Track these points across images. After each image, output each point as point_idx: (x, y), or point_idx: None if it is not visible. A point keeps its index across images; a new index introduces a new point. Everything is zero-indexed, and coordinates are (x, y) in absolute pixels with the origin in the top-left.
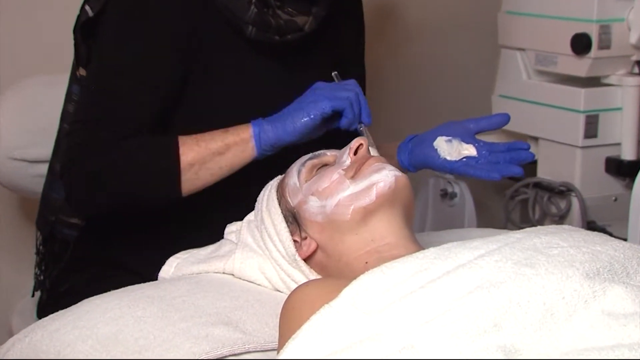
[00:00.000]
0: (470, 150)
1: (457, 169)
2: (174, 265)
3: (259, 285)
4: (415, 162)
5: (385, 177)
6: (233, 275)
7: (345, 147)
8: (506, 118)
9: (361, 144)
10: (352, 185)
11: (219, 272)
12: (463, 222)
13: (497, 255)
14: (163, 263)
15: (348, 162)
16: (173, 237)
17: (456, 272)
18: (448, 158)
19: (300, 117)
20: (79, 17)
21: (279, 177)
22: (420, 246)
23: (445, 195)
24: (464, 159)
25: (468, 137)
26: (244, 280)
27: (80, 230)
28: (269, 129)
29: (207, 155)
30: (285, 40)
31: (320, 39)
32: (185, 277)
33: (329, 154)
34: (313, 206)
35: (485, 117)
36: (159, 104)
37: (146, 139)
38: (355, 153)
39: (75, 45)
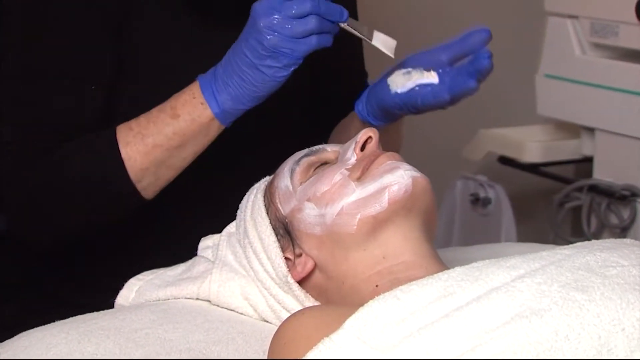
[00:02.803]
0: (430, 77)
1: (406, 100)
2: (135, 290)
3: (241, 314)
4: (372, 109)
5: (399, 178)
6: (209, 301)
7: (349, 141)
8: (484, 34)
9: (370, 137)
10: (358, 189)
11: (192, 298)
12: (499, 235)
13: (541, 276)
14: (117, 289)
15: (353, 159)
16: (128, 254)
17: (489, 298)
18: (399, 91)
19: (264, 82)
20: None
21: (267, 178)
22: (444, 265)
23: (477, 201)
24: (417, 87)
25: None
26: (222, 307)
27: None
28: (227, 99)
29: (161, 153)
30: None
31: None
32: (149, 304)
33: (330, 150)
34: (310, 215)
35: (456, 39)
36: (92, 96)
37: (79, 149)
38: (363, 148)
39: None
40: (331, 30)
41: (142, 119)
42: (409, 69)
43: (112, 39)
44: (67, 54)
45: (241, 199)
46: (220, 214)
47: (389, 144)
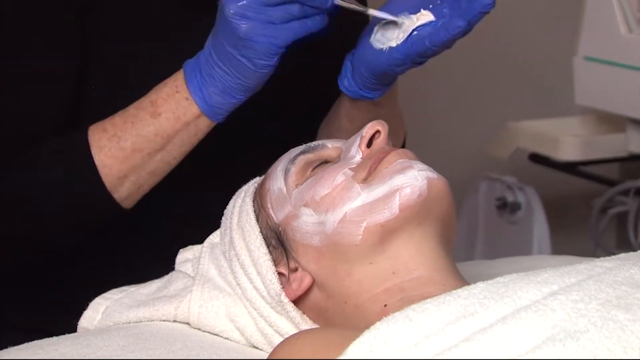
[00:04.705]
0: (423, 17)
1: (408, 51)
2: (102, 310)
3: (226, 338)
4: (362, 79)
5: (412, 179)
6: (189, 324)
7: (354, 136)
8: None
9: (378, 131)
10: (364, 192)
11: (168, 320)
12: (530, 246)
13: (577, 292)
14: (81, 309)
15: (358, 157)
16: (93, 268)
17: (516, 318)
18: (393, 44)
19: (248, 73)
20: None
21: (257, 179)
22: (464, 281)
23: (504, 206)
24: (415, 32)
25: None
26: (204, 331)
27: None
28: (215, 93)
29: (141, 159)
30: None
31: None
32: (118, 328)
33: (330, 146)
34: (307, 223)
35: None
36: (57, 90)
37: (45, 155)
38: (370, 145)
39: None
40: (318, 9)
41: (118, 118)
42: (392, 18)
43: (74, 26)
44: (26, 46)
45: (226, 203)
46: (202, 222)
47: (391, 129)
